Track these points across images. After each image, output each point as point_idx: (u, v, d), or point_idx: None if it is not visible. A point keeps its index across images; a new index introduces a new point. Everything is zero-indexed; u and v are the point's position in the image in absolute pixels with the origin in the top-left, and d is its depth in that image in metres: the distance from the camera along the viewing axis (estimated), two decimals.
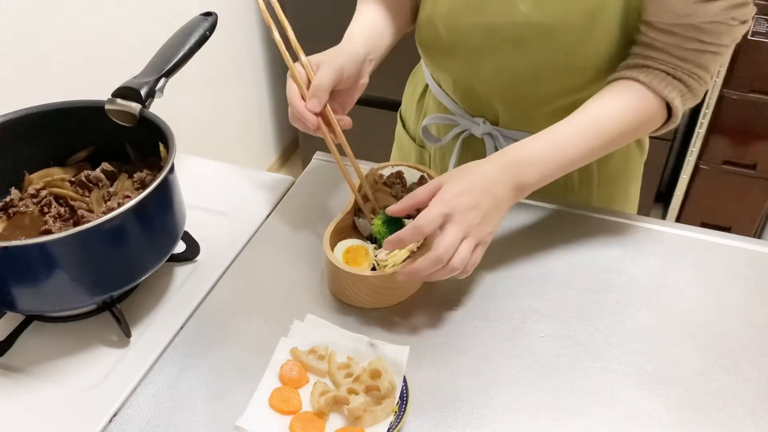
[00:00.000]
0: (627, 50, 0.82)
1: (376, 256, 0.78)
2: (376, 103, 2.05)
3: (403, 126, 1.14)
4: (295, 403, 0.64)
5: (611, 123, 0.77)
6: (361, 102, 0.86)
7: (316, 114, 0.77)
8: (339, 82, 0.79)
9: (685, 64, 0.77)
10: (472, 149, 1.00)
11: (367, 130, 0.80)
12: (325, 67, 0.78)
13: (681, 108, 0.79)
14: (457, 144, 0.99)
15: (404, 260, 0.76)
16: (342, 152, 0.82)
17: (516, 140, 0.95)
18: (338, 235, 0.80)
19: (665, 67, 0.77)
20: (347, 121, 0.81)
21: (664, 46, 0.77)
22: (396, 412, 0.64)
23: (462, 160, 1.01)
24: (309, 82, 0.79)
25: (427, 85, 1.05)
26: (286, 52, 0.80)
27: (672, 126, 0.81)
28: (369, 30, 0.88)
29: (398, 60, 1.09)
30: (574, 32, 0.80)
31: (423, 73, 1.07)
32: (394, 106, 1.17)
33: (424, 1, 0.92)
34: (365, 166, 0.91)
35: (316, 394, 0.65)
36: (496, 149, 0.97)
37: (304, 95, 0.78)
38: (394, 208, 0.73)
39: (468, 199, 0.70)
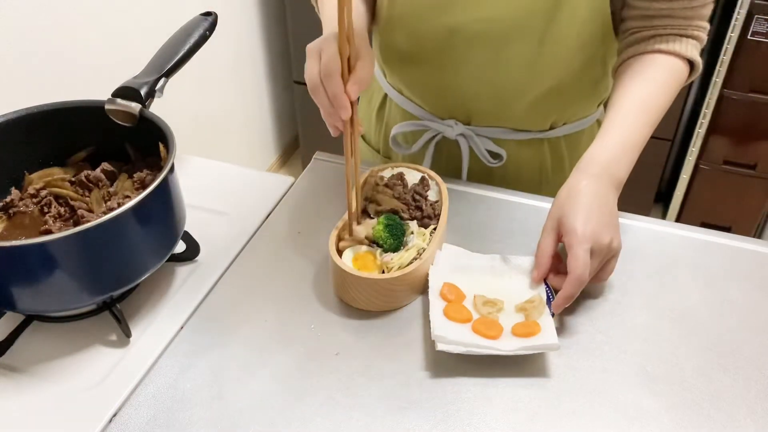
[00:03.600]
0: (598, 29, 0.83)
1: (382, 258, 0.77)
2: None
3: (363, 138, 1.12)
4: (466, 313, 0.73)
5: (657, 97, 0.80)
6: None
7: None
8: None
9: (693, 21, 0.81)
10: (445, 152, 1.00)
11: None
12: (367, 61, 0.70)
13: (700, 60, 0.83)
14: (430, 149, 0.99)
15: (410, 262, 0.76)
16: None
17: (490, 138, 0.96)
18: (342, 238, 0.80)
19: (677, 31, 0.81)
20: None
21: (672, 12, 0.80)
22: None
23: (436, 164, 1.01)
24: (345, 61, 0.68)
25: (385, 95, 1.04)
26: (347, 17, 0.65)
27: (694, 77, 0.85)
28: (364, 26, 0.83)
29: None
30: (540, 19, 0.81)
31: (377, 84, 1.05)
32: None
33: (378, 12, 0.90)
34: (360, 167, 0.91)
35: (479, 304, 0.74)
36: (471, 150, 0.97)
37: (345, 78, 0.69)
38: (537, 277, 0.75)
39: (594, 224, 0.71)
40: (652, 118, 0.79)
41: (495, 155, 0.97)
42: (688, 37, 0.81)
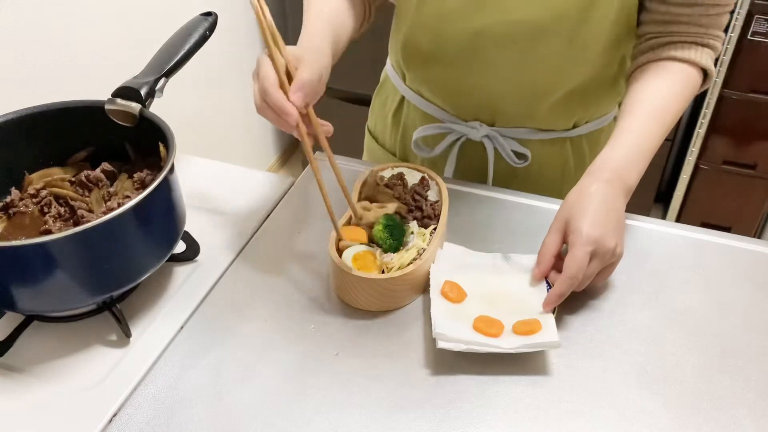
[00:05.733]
0: (624, 29, 0.83)
1: (382, 258, 0.77)
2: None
3: (376, 141, 1.11)
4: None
5: (670, 105, 0.80)
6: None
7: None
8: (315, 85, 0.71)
9: (709, 30, 0.81)
10: (468, 154, 0.99)
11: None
12: (309, 65, 0.70)
13: (714, 69, 0.83)
14: (454, 151, 0.98)
15: (410, 262, 0.76)
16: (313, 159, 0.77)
17: (515, 138, 0.96)
18: (342, 238, 0.80)
19: (692, 38, 0.81)
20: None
21: (690, 19, 0.80)
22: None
23: (460, 166, 1.00)
24: (286, 75, 0.70)
25: (402, 98, 1.03)
26: (268, 29, 0.69)
27: (707, 86, 0.85)
28: (332, 28, 0.80)
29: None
30: (572, 20, 0.81)
31: (392, 86, 1.04)
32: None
33: (401, 16, 0.89)
34: (360, 167, 0.91)
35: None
36: (496, 151, 0.97)
37: (285, 88, 0.69)
38: (538, 274, 0.75)
39: (600, 228, 0.72)
40: (664, 125, 0.79)
41: (520, 155, 0.97)
42: (703, 45, 0.81)
